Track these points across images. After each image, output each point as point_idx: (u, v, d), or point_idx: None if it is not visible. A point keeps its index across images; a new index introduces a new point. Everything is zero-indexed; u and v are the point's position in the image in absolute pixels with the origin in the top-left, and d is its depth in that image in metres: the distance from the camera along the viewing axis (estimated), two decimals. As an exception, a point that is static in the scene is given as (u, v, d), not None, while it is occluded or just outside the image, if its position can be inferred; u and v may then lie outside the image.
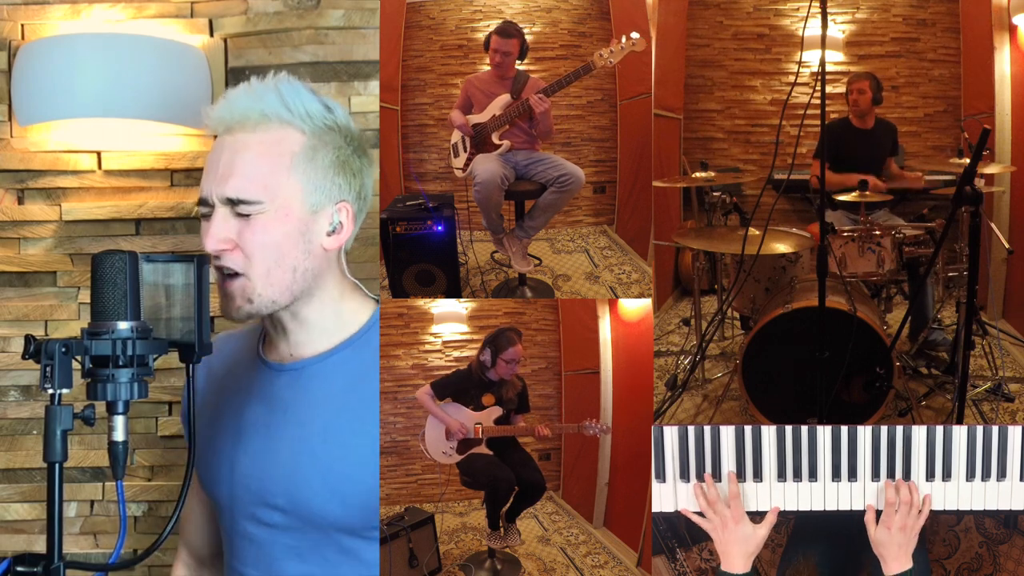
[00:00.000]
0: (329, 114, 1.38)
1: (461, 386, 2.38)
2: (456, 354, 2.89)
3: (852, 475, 1.49)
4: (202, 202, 1.34)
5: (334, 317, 1.42)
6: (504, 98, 2.65)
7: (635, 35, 2.46)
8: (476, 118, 2.69)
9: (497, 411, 2.35)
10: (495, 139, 2.67)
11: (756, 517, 1.45)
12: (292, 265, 1.34)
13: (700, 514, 1.48)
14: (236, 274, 1.32)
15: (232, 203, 1.31)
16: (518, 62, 2.68)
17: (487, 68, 2.75)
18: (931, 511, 1.46)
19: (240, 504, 1.41)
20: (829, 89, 3.30)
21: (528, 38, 2.69)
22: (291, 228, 1.33)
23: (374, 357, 1.41)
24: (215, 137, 1.38)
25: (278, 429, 1.39)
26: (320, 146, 1.36)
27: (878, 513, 1.45)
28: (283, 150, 1.33)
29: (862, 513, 1.46)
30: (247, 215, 1.31)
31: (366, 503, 1.36)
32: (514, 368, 2.35)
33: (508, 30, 2.65)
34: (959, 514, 2.02)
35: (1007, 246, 2.88)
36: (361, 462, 1.35)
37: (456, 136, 2.75)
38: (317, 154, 1.35)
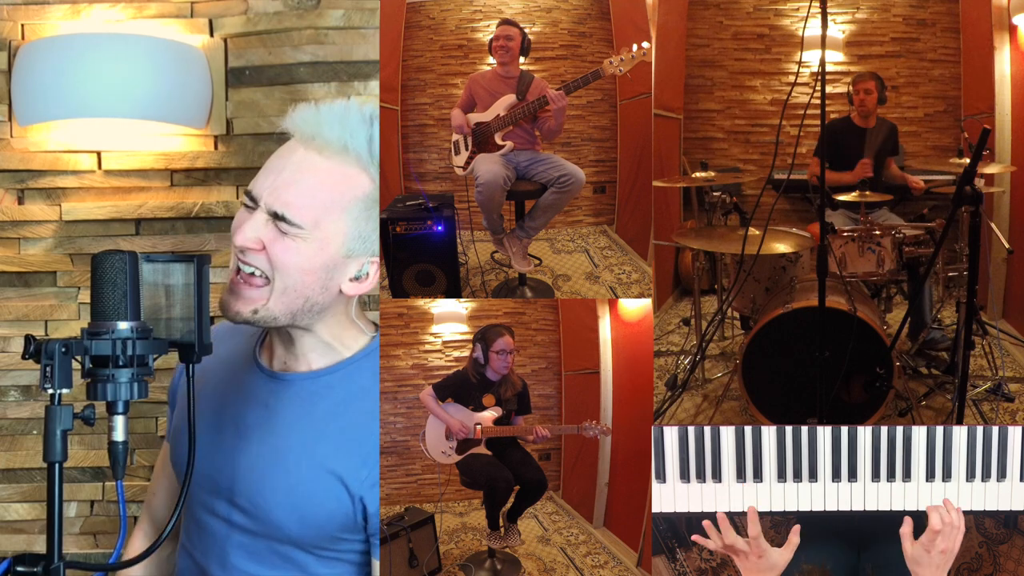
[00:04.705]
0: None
1: (461, 388, 2.38)
2: (456, 354, 2.89)
3: (852, 475, 1.49)
4: (248, 195, 1.34)
5: (332, 342, 1.43)
6: (509, 98, 2.63)
7: (646, 44, 2.46)
8: (479, 117, 2.68)
9: (497, 411, 2.35)
10: (498, 139, 2.66)
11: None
12: (306, 295, 1.35)
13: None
14: (256, 277, 1.32)
15: (276, 216, 1.31)
16: (521, 59, 2.67)
17: (488, 67, 2.74)
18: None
19: (203, 494, 1.43)
20: (829, 89, 3.30)
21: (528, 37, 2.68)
22: (320, 262, 1.33)
23: (361, 386, 1.41)
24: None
25: (256, 434, 1.41)
26: (377, 200, 1.36)
27: (912, 515, 1.41)
28: (348, 190, 1.33)
29: (863, 514, 1.45)
30: (284, 232, 1.31)
31: (323, 524, 1.37)
32: (507, 359, 2.35)
33: (508, 21, 2.65)
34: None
35: (1007, 246, 2.88)
36: (327, 487, 1.36)
37: (458, 134, 2.74)
38: (375, 207, 1.36)
